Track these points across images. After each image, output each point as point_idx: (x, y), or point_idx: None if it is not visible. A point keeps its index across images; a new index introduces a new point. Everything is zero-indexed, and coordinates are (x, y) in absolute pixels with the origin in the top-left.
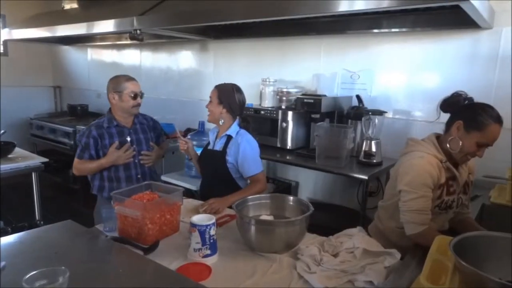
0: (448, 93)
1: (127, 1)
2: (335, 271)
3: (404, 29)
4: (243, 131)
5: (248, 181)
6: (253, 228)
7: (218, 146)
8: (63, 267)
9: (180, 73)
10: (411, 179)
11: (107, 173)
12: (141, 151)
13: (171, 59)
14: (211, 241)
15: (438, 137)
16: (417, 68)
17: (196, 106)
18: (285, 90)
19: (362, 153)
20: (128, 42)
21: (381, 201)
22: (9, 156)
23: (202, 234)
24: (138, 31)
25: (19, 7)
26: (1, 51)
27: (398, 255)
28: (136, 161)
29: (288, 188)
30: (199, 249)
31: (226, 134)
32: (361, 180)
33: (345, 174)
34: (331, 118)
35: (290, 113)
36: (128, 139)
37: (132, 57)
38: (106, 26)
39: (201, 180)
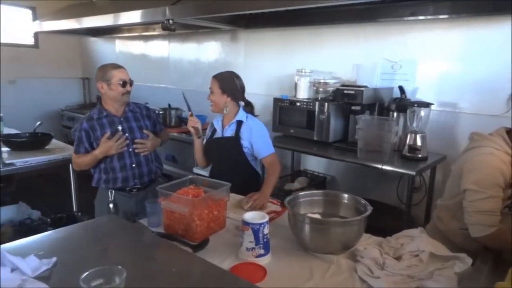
0: (499, 83)
1: None
2: (402, 276)
3: (446, 16)
4: (250, 115)
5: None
6: (307, 227)
7: (229, 133)
8: (119, 267)
9: (209, 64)
10: (480, 178)
11: (104, 165)
12: (135, 139)
13: (200, 50)
14: (265, 240)
15: (508, 131)
16: (463, 57)
17: None
18: (322, 81)
19: (406, 147)
20: (156, 33)
21: (441, 199)
22: (46, 147)
23: (255, 233)
24: (170, 21)
25: None
26: (32, 43)
27: (469, 260)
28: (130, 150)
29: (323, 182)
30: (252, 249)
31: (236, 120)
32: (406, 175)
33: (389, 169)
34: (371, 110)
35: (327, 105)
36: (120, 128)
37: (160, 48)
38: (138, 16)
39: (212, 169)
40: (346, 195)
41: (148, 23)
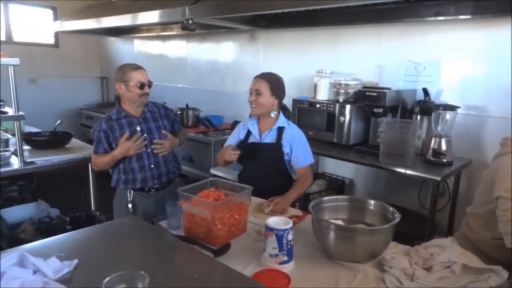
0: None
1: None
2: None
3: (470, 16)
4: (290, 121)
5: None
6: (333, 234)
7: (269, 139)
8: (142, 272)
9: (227, 64)
10: None
11: (122, 166)
12: (153, 140)
13: (218, 50)
14: (289, 246)
15: None
16: (489, 58)
17: (244, 98)
18: (343, 82)
19: (431, 151)
20: (174, 33)
21: (470, 207)
22: (66, 146)
23: (279, 239)
24: (190, 21)
25: None
26: (53, 43)
27: (505, 274)
28: (149, 150)
29: (342, 185)
30: (276, 255)
31: (279, 126)
32: (429, 180)
33: (413, 174)
34: (393, 113)
35: (348, 107)
36: (138, 128)
37: (178, 48)
38: (157, 16)
39: (243, 173)
40: (372, 201)
41: (168, 23)
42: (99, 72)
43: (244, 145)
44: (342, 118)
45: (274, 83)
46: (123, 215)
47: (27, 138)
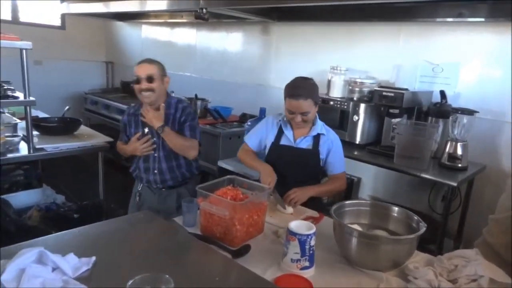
0: None
1: None
2: None
3: (493, 19)
4: (326, 125)
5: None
6: (356, 241)
7: (304, 145)
8: (166, 276)
9: (237, 55)
10: None
11: (135, 160)
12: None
13: (229, 40)
14: (311, 252)
15: None
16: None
17: (254, 90)
18: (358, 80)
19: (446, 155)
20: (184, 20)
21: (493, 215)
22: (75, 133)
23: (302, 244)
24: (204, 10)
25: None
26: (59, 25)
27: None
28: (155, 155)
29: (350, 184)
30: (297, 260)
31: (318, 133)
32: (439, 183)
33: (429, 178)
34: (409, 114)
35: (363, 106)
36: (146, 130)
37: (187, 36)
38: (170, 3)
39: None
40: (396, 208)
41: (181, 10)
42: (104, 56)
43: (277, 147)
44: (355, 117)
45: (315, 94)
46: (133, 204)
47: (36, 123)
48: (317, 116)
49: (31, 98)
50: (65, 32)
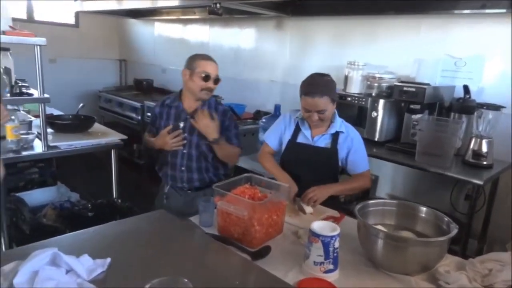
0: None
1: None
2: None
3: None
4: (345, 122)
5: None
6: (382, 243)
7: (322, 143)
8: (185, 280)
9: (251, 51)
10: None
11: (161, 154)
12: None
13: (242, 36)
14: (335, 254)
15: None
16: None
17: (267, 87)
18: (377, 75)
19: (470, 152)
20: (197, 16)
21: None
22: (89, 130)
23: (326, 246)
24: (218, 5)
25: None
26: (73, 23)
27: None
28: (185, 151)
29: None
30: (321, 263)
31: (337, 131)
32: (462, 181)
33: (453, 176)
34: (430, 110)
35: (381, 102)
36: (181, 125)
37: (200, 33)
38: None
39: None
40: (424, 208)
41: (193, 6)
42: (117, 54)
43: (294, 145)
44: (374, 113)
45: (332, 91)
46: (159, 206)
47: (50, 121)
48: (336, 113)
49: (45, 95)
50: (79, 30)
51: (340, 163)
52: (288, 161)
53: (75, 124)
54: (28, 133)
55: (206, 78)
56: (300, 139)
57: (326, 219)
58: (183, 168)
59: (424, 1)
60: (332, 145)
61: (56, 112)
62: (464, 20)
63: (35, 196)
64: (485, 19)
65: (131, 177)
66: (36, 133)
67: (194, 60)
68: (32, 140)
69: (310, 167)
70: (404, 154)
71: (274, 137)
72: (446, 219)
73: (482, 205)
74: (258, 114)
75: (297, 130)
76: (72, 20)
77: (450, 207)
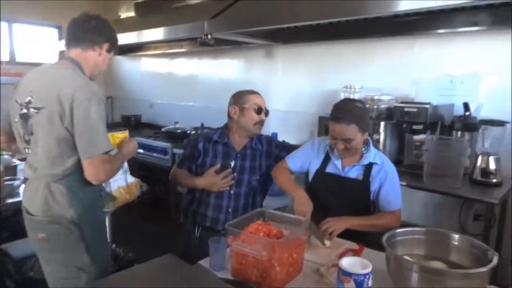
0: None
1: (185, 8)
2: None
3: (507, 26)
4: (381, 153)
5: None
6: (417, 276)
7: (354, 174)
8: None
9: (242, 81)
10: None
11: (199, 194)
12: (241, 181)
13: (232, 67)
14: None
15: None
16: None
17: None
18: (376, 97)
19: (478, 170)
20: (184, 50)
21: None
22: None
23: (359, 285)
24: (209, 36)
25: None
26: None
27: None
28: (232, 192)
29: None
30: None
31: (370, 162)
32: (469, 200)
33: (466, 196)
34: (432, 130)
35: (382, 124)
36: (232, 164)
37: (188, 66)
38: (174, 32)
39: (316, 208)
40: (457, 236)
41: (186, 38)
42: (104, 91)
43: (323, 175)
44: (376, 136)
45: (362, 119)
46: (186, 252)
47: None
48: (370, 143)
49: None
50: None
51: (371, 197)
52: (316, 192)
53: None
54: (13, 179)
55: (259, 110)
56: (329, 169)
57: (345, 252)
58: (229, 210)
59: (416, 21)
60: (364, 177)
61: None
62: (457, 38)
63: (21, 247)
64: (477, 37)
65: (124, 218)
66: (22, 178)
67: (241, 95)
68: (18, 186)
69: (340, 199)
70: (411, 176)
71: (297, 160)
72: (483, 246)
73: (493, 225)
74: None
75: (326, 159)
76: (56, 60)
77: (460, 229)
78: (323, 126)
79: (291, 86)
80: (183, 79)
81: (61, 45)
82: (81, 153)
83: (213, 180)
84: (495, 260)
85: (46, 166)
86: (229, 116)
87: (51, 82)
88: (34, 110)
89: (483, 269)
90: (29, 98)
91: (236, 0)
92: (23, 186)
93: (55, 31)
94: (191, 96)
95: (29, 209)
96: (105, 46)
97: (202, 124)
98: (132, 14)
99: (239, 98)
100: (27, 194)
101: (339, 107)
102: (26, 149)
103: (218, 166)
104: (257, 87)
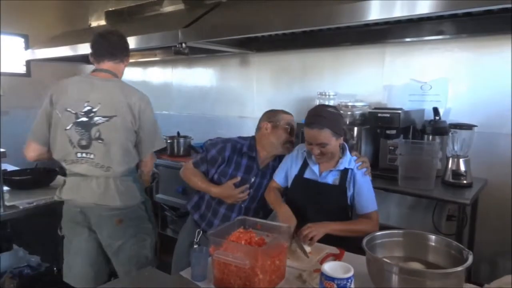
0: None
1: (158, 17)
2: None
3: (470, 35)
4: (353, 157)
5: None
6: (397, 278)
7: (330, 180)
8: None
9: (217, 89)
10: None
11: (209, 198)
12: (256, 197)
13: (207, 75)
14: None
15: None
16: (497, 75)
17: (236, 123)
18: (350, 104)
19: (450, 172)
20: (157, 58)
21: None
22: (51, 184)
23: None
24: (183, 45)
25: (44, 26)
26: (24, 72)
27: None
28: (243, 205)
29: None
30: None
31: (345, 168)
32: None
33: (439, 198)
34: (404, 134)
35: (356, 129)
36: (253, 180)
37: (162, 74)
38: (147, 40)
39: (296, 214)
40: (433, 237)
41: (159, 47)
42: None
43: (301, 181)
44: (351, 141)
45: (336, 124)
46: (185, 254)
47: (5, 178)
48: (347, 148)
49: (2, 150)
50: (31, 80)
51: (348, 202)
52: (294, 197)
53: (34, 179)
54: None
55: (291, 131)
56: (307, 174)
57: (326, 257)
58: None
59: (386, 30)
60: (341, 182)
61: (10, 168)
62: (425, 46)
63: None
64: (444, 44)
65: None
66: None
67: (276, 113)
68: None
69: (317, 204)
70: (385, 179)
71: (281, 173)
72: (457, 246)
73: (465, 224)
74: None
75: (304, 165)
76: (23, 69)
77: (434, 229)
78: (300, 132)
79: (266, 93)
80: (157, 88)
81: (28, 54)
82: (146, 149)
83: (231, 192)
84: (470, 259)
85: (121, 164)
86: (259, 132)
87: (114, 93)
88: (103, 119)
89: (460, 268)
90: (89, 107)
91: (210, 9)
92: None
93: (21, 40)
94: (166, 105)
95: (100, 201)
96: (128, 58)
97: (178, 133)
98: (103, 22)
99: (273, 115)
100: (92, 189)
101: (312, 113)
102: (79, 154)
103: (238, 179)
104: (233, 95)
